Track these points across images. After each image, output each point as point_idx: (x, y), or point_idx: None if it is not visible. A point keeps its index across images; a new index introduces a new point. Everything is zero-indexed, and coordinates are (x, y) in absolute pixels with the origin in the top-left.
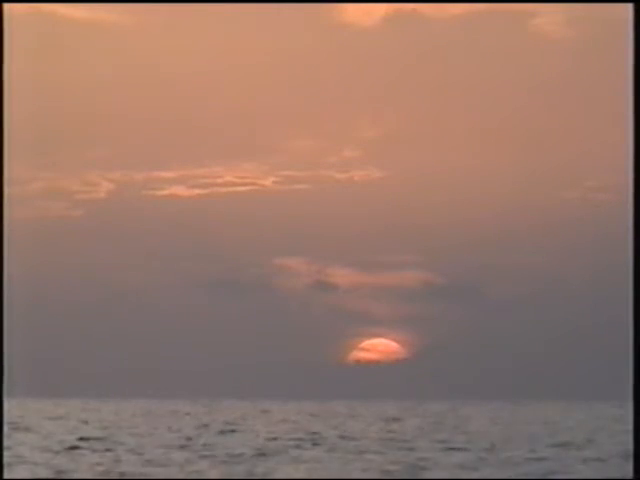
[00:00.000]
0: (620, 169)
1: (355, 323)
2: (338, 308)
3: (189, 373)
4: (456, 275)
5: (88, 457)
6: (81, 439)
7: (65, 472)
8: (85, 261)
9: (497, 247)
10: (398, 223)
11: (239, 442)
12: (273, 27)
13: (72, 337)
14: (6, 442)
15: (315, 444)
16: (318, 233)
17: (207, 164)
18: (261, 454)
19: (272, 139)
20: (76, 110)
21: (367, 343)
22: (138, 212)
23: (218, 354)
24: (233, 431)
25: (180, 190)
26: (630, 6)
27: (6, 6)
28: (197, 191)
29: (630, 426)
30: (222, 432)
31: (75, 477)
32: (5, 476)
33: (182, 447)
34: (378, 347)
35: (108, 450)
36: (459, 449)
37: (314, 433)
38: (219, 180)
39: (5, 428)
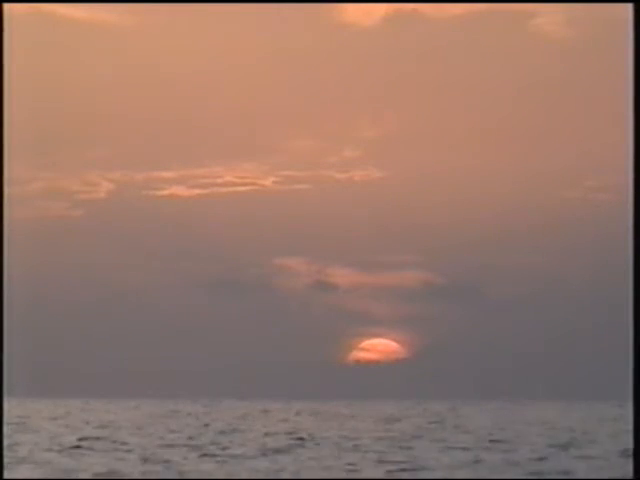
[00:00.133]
0: (620, 169)
1: (355, 323)
2: (338, 308)
3: (189, 373)
4: (456, 275)
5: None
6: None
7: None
8: (85, 261)
9: (497, 247)
10: (398, 223)
11: (240, 442)
12: (273, 27)
13: (72, 337)
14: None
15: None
16: (318, 233)
17: (207, 164)
18: (262, 454)
19: (272, 139)
20: (76, 110)
21: (367, 343)
22: (138, 212)
23: (218, 354)
24: (234, 431)
25: (180, 190)
26: (630, 6)
27: (6, 6)
28: (197, 191)
29: (630, 426)
30: (223, 432)
31: (75, 477)
32: (5, 476)
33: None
34: (378, 347)
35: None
36: (458, 449)
37: (313, 433)
38: (219, 180)
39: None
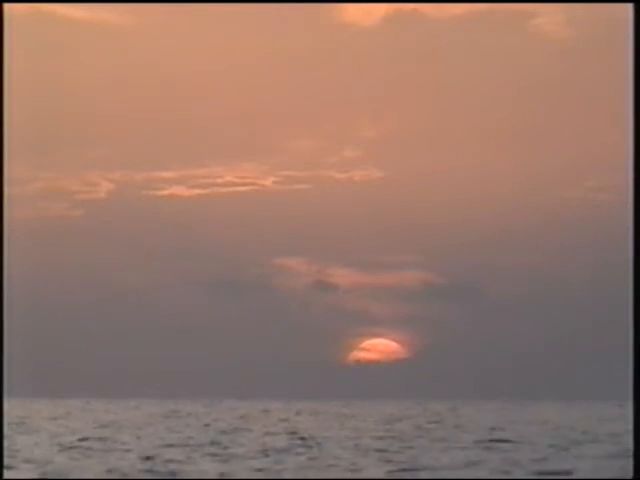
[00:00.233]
0: (620, 169)
1: (355, 323)
2: (338, 308)
3: (189, 373)
4: (456, 275)
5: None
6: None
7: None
8: (85, 261)
9: (497, 247)
10: (398, 223)
11: (242, 441)
12: (273, 27)
13: (72, 337)
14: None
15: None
16: (318, 233)
17: (207, 164)
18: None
19: (272, 139)
20: (76, 110)
21: (367, 343)
22: (138, 212)
23: (218, 354)
24: (235, 430)
25: (180, 190)
26: (630, 6)
27: (6, 6)
28: (197, 191)
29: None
30: (224, 432)
31: (75, 477)
32: (5, 476)
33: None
34: (378, 347)
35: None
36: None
37: (312, 433)
38: (219, 180)
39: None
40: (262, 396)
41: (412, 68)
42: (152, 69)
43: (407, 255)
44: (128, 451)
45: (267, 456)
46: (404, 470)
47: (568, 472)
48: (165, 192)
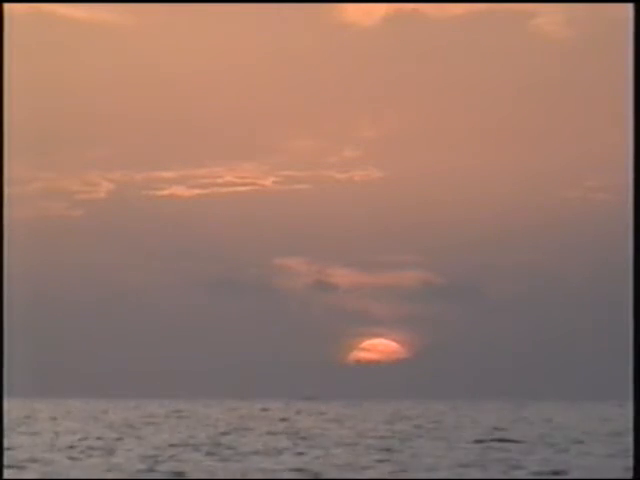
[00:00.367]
0: (620, 169)
1: (355, 323)
2: (338, 308)
3: (189, 373)
4: (456, 275)
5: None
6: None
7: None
8: (85, 261)
9: (497, 247)
10: (398, 223)
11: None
12: (273, 27)
13: (72, 337)
14: None
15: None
16: (318, 233)
17: (207, 164)
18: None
19: (272, 139)
20: (76, 110)
21: (367, 343)
22: (138, 212)
23: (218, 354)
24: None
25: (180, 190)
26: (630, 6)
27: (6, 6)
28: (197, 191)
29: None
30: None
31: (75, 477)
32: (5, 476)
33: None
34: (378, 347)
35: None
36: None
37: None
38: (219, 180)
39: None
40: (262, 396)
41: (412, 68)
42: (152, 69)
43: (407, 255)
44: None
45: (269, 456)
46: (404, 471)
47: (568, 472)
48: (165, 192)
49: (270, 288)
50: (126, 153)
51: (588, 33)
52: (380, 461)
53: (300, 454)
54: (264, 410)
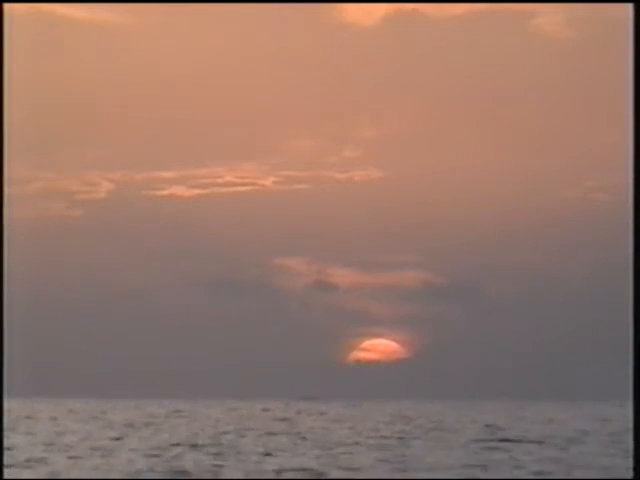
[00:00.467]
0: (620, 169)
1: (355, 323)
2: (338, 308)
3: (189, 373)
4: (456, 275)
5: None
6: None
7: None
8: (85, 261)
9: (497, 247)
10: (398, 223)
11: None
12: (273, 27)
13: (72, 337)
14: None
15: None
16: (318, 233)
17: (207, 164)
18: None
19: (272, 139)
20: (76, 110)
21: (367, 343)
22: (138, 212)
23: (218, 354)
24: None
25: (180, 190)
26: (630, 6)
27: (6, 6)
28: (197, 191)
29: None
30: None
31: (76, 477)
32: (5, 476)
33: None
34: (378, 347)
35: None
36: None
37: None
38: (219, 180)
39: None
40: (262, 396)
41: (412, 68)
42: (152, 69)
43: (407, 255)
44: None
45: (271, 455)
46: (404, 471)
47: (568, 472)
48: (165, 192)
49: (270, 288)
50: (126, 153)
51: (588, 33)
52: (381, 461)
53: (300, 454)
54: (265, 410)
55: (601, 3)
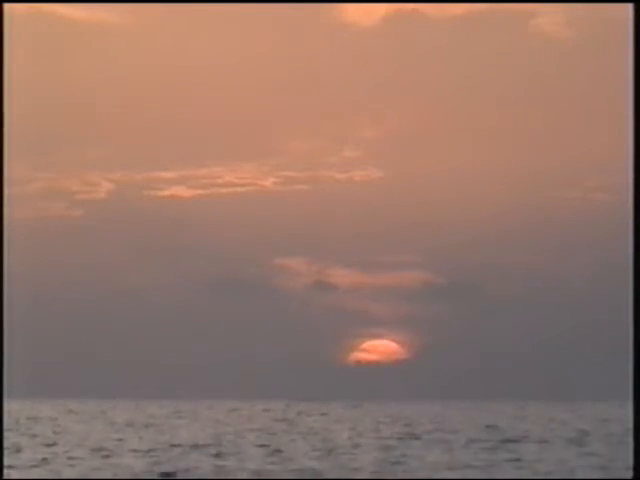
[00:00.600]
0: (620, 169)
1: (355, 323)
2: (338, 308)
3: (189, 373)
4: (456, 275)
5: None
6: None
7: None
8: (85, 261)
9: (497, 246)
10: (398, 223)
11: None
12: (273, 27)
13: (72, 337)
14: None
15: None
16: (318, 233)
17: (207, 164)
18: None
19: (272, 139)
20: (76, 110)
21: (368, 344)
22: (138, 212)
23: (218, 354)
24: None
25: (180, 190)
26: (630, 6)
27: (6, 6)
28: (197, 191)
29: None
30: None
31: (75, 477)
32: (5, 476)
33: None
34: (378, 348)
35: None
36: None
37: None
38: (219, 180)
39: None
40: (262, 396)
41: (412, 68)
42: (152, 69)
43: (407, 255)
44: None
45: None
46: (406, 472)
47: (568, 472)
48: (165, 192)
49: (270, 288)
50: (126, 153)
51: (588, 33)
52: (382, 461)
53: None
54: (266, 411)
55: (601, 3)
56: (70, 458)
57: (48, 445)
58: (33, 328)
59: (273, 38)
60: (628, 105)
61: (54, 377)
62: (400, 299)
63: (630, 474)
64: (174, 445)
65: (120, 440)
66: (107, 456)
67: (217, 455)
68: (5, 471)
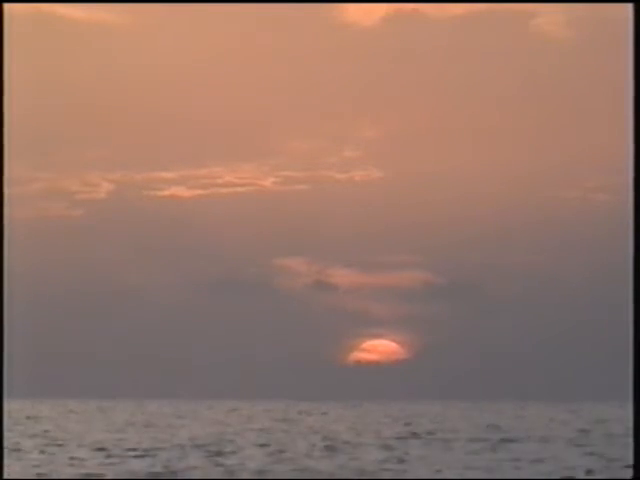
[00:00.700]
0: (620, 169)
1: (355, 323)
2: (338, 308)
3: (189, 373)
4: (456, 274)
5: None
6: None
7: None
8: (85, 261)
9: (497, 246)
10: (398, 223)
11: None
12: (273, 27)
13: (72, 337)
14: None
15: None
16: (318, 233)
17: (207, 164)
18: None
19: (272, 139)
20: (76, 110)
21: (368, 344)
22: (138, 212)
23: (218, 354)
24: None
25: (180, 190)
26: (630, 6)
27: (6, 6)
28: (197, 191)
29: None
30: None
31: (76, 477)
32: (5, 476)
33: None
34: (378, 348)
35: None
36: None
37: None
38: (219, 180)
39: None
40: (262, 396)
41: (412, 68)
42: (152, 69)
43: (407, 255)
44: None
45: (273, 455)
46: (406, 471)
47: (568, 471)
48: (165, 192)
49: (270, 288)
50: (126, 153)
51: (588, 33)
52: (382, 461)
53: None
54: (266, 411)
55: (601, 3)
56: (70, 458)
57: (48, 445)
58: (33, 328)
59: (273, 38)
60: (628, 105)
61: (54, 377)
62: (400, 299)
63: (630, 474)
64: (174, 445)
65: (120, 440)
66: (107, 456)
67: (217, 454)
68: (5, 470)
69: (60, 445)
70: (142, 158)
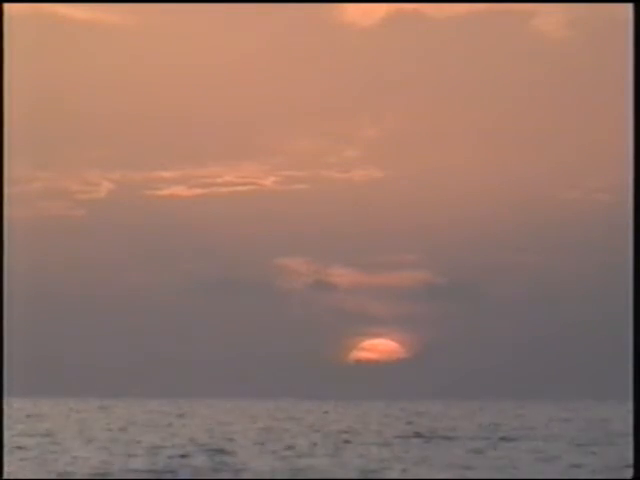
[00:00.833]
0: (620, 169)
1: (355, 323)
2: (338, 308)
3: (189, 373)
4: (456, 274)
5: None
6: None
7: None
8: (85, 261)
9: (497, 247)
10: (398, 223)
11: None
12: (273, 27)
13: (72, 336)
14: None
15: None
16: (318, 233)
17: (207, 164)
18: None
19: (272, 139)
20: (76, 110)
21: (367, 343)
22: (138, 212)
23: (218, 354)
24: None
25: (180, 190)
26: (630, 6)
27: (6, 6)
28: (197, 191)
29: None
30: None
31: (75, 477)
32: (5, 476)
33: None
34: (378, 347)
35: None
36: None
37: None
38: (219, 180)
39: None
40: (263, 396)
41: (412, 68)
42: (152, 69)
43: (407, 255)
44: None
45: (273, 454)
46: (405, 471)
47: (568, 471)
48: (165, 192)
49: (270, 288)
50: (126, 153)
51: (588, 33)
52: (382, 460)
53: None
54: (266, 410)
55: (601, 3)
56: (70, 457)
57: (48, 444)
58: (33, 328)
59: (273, 38)
60: (628, 105)
61: (54, 376)
62: (400, 299)
63: (630, 474)
64: (174, 444)
65: (120, 439)
66: (107, 455)
67: (217, 454)
68: (5, 469)
69: (60, 444)
70: (142, 158)
